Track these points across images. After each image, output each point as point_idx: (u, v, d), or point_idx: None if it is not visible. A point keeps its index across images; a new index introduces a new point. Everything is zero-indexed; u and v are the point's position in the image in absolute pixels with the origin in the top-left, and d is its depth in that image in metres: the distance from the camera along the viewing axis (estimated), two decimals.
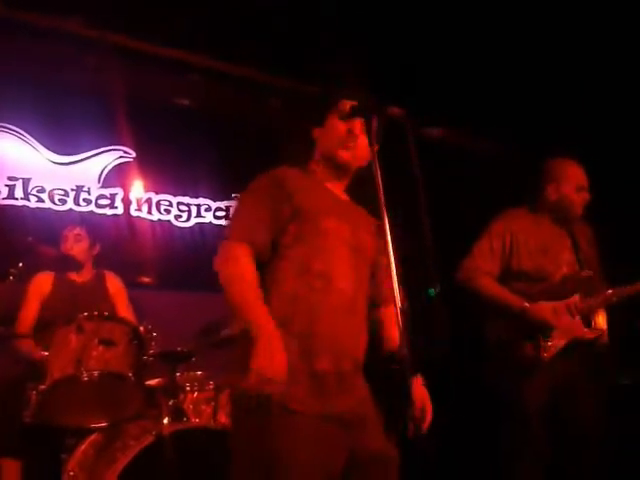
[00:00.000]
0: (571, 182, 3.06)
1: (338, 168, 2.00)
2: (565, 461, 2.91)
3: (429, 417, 1.86)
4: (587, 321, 2.99)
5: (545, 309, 2.92)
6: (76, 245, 3.56)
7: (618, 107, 4.50)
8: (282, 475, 1.63)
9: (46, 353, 2.92)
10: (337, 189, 2.04)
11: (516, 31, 4.20)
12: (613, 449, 3.02)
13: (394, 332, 1.92)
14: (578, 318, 2.96)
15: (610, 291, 2.99)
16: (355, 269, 1.90)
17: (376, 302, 2.02)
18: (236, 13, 4.21)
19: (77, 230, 3.58)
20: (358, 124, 1.92)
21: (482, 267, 3.02)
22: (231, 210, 5.06)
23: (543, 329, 2.90)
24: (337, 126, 1.97)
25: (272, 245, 1.85)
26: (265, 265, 1.84)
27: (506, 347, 2.97)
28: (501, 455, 2.99)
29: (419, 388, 1.87)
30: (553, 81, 4.58)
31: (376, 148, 1.82)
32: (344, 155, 1.96)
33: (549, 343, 2.89)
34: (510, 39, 4.25)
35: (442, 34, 4.28)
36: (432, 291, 5.60)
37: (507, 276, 3.03)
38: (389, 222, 1.73)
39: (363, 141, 1.92)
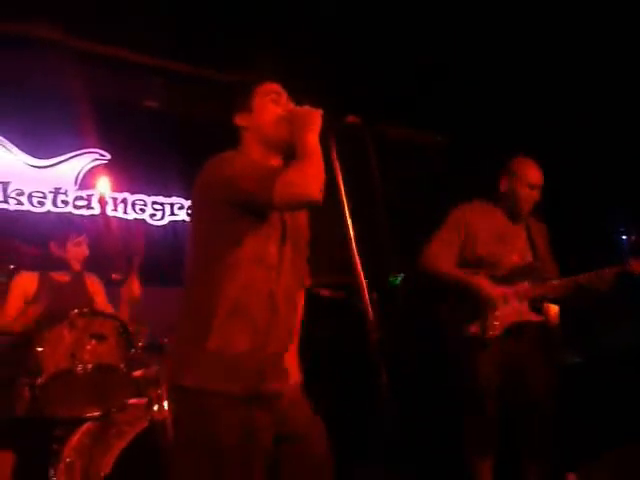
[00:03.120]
0: (524, 179, 3.23)
1: (277, 147, 2.01)
2: (516, 430, 3.17)
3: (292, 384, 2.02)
4: (535, 307, 3.20)
5: (487, 284, 3.12)
6: (77, 249, 3.67)
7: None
8: (217, 455, 1.75)
9: (39, 349, 2.97)
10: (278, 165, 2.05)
11: (471, 22, 4.41)
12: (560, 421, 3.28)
13: None
14: (526, 303, 3.17)
15: (556, 281, 3.21)
16: (296, 258, 2.01)
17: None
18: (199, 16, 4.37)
19: (81, 238, 3.69)
20: (284, 99, 2.02)
21: (441, 253, 3.21)
22: None
23: (487, 309, 3.11)
24: (270, 108, 2.00)
25: (226, 234, 1.87)
26: (221, 253, 1.87)
27: (456, 326, 3.19)
28: (456, 426, 3.25)
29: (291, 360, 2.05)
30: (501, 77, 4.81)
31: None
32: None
33: (495, 322, 3.10)
34: (465, 30, 4.47)
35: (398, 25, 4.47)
36: (396, 279, 5.90)
37: (462, 264, 3.22)
38: (350, 216, 1.89)
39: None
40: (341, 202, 1.94)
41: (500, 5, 4.23)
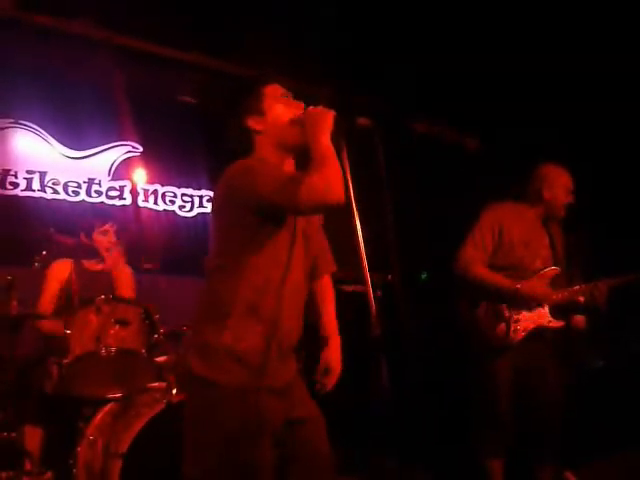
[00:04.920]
0: (563, 186, 3.30)
1: (290, 149, 2.05)
2: (528, 429, 3.22)
3: (333, 378, 2.16)
4: (554, 312, 3.25)
5: (536, 286, 3.18)
6: (103, 238, 3.75)
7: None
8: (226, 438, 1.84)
9: (67, 331, 3.14)
10: (290, 167, 2.10)
11: (488, 27, 4.44)
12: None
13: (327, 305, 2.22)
14: (547, 309, 3.22)
15: (577, 287, 3.25)
16: (305, 255, 2.06)
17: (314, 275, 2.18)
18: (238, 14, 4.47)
19: (107, 226, 3.76)
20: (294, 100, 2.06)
21: (476, 256, 3.21)
22: None
23: (514, 314, 3.17)
24: (282, 110, 2.03)
25: (247, 239, 1.92)
26: (241, 256, 1.93)
27: (480, 330, 3.22)
28: (470, 423, 3.32)
29: (330, 352, 2.17)
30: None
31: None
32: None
33: (518, 326, 3.16)
34: (488, 36, 4.49)
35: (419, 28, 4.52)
36: (424, 275, 5.97)
37: (491, 265, 3.24)
38: (358, 216, 1.94)
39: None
40: (350, 203, 2.01)
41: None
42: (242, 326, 1.91)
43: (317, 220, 2.22)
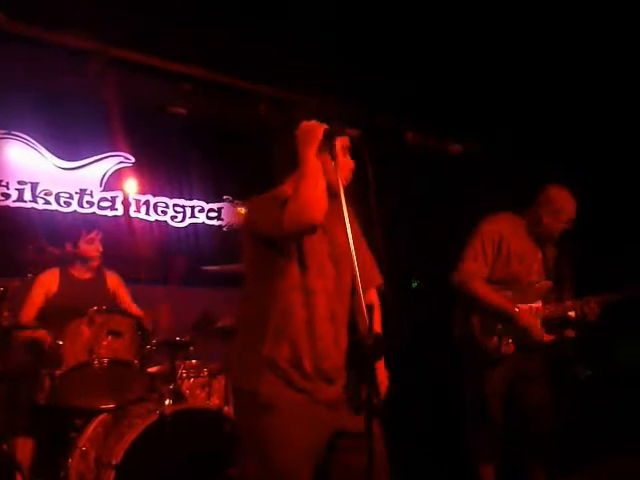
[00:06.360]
0: (564, 213, 3.26)
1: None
2: (519, 436, 3.27)
3: (384, 389, 2.23)
4: (547, 326, 3.25)
5: (528, 317, 3.18)
6: (89, 247, 3.74)
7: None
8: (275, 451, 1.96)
9: (59, 342, 3.13)
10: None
11: (491, 30, 4.41)
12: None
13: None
14: (539, 322, 3.22)
15: (569, 302, 3.27)
16: (336, 278, 2.14)
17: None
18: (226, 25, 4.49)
19: (93, 234, 3.76)
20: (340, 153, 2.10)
21: (476, 270, 3.20)
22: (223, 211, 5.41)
23: (507, 329, 3.18)
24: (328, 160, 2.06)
25: (266, 267, 2.08)
26: (265, 283, 2.08)
27: (474, 341, 3.24)
28: (462, 432, 3.36)
29: (380, 371, 2.23)
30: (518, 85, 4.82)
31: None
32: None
33: (510, 341, 3.20)
34: (488, 38, 4.48)
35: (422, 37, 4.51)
36: (415, 284, 6.01)
37: (488, 278, 3.23)
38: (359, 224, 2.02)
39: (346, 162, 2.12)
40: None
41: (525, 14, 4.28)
42: (276, 349, 2.03)
43: (348, 239, 2.23)
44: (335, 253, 2.15)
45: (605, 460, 3.63)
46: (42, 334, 3.37)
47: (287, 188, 2.12)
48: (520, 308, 3.20)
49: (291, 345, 2.03)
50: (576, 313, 3.23)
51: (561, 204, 3.27)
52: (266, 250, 2.04)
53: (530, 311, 3.23)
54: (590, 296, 3.24)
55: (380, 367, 2.25)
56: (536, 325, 3.19)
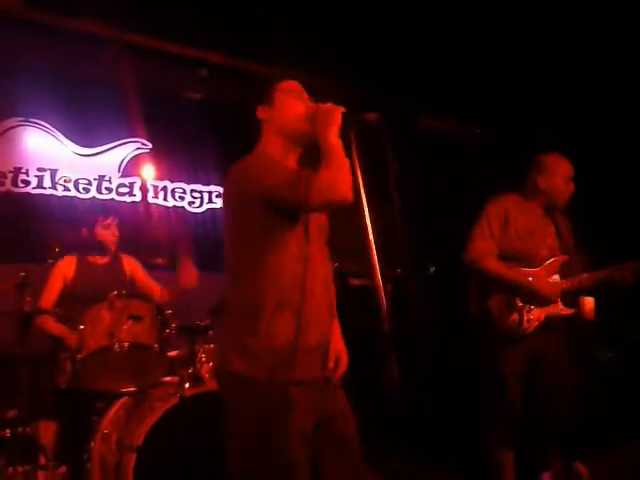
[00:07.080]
0: (560, 174, 3.28)
1: (294, 140, 2.11)
2: (538, 418, 3.22)
3: (342, 369, 2.17)
4: (567, 300, 3.23)
5: (544, 282, 3.16)
6: (106, 232, 3.75)
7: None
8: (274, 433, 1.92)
9: (81, 327, 3.16)
10: (293, 161, 2.15)
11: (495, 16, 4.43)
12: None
13: None
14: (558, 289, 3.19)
15: (585, 275, 3.24)
16: (321, 242, 2.13)
17: None
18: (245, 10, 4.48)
19: (109, 220, 3.76)
20: (306, 96, 2.13)
21: (486, 248, 3.20)
22: None
23: (526, 303, 3.16)
24: (291, 102, 2.10)
25: (268, 236, 1.99)
26: (265, 254, 1.99)
27: (491, 320, 3.21)
28: (478, 413, 3.33)
29: (336, 342, 2.19)
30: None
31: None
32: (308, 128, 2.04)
33: (531, 316, 3.16)
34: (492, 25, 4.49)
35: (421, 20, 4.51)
36: (432, 269, 5.99)
37: (499, 256, 3.22)
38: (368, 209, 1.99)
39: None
40: (360, 197, 2.04)
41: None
42: (273, 324, 1.95)
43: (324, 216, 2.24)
44: (318, 221, 2.14)
45: (622, 445, 3.61)
46: (62, 331, 3.38)
47: (271, 150, 2.09)
48: (534, 275, 3.18)
49: (293, 318, 1.96)
50: (615, 278, 3.22)
51: (552, 165, 3.30)
52: (268, 215, 1.95)
53: (546, 274, 3.21)
54: (603, 268, 3.22)
55: (338, 339, 2.21)
56: (554, 287, 3.17)
